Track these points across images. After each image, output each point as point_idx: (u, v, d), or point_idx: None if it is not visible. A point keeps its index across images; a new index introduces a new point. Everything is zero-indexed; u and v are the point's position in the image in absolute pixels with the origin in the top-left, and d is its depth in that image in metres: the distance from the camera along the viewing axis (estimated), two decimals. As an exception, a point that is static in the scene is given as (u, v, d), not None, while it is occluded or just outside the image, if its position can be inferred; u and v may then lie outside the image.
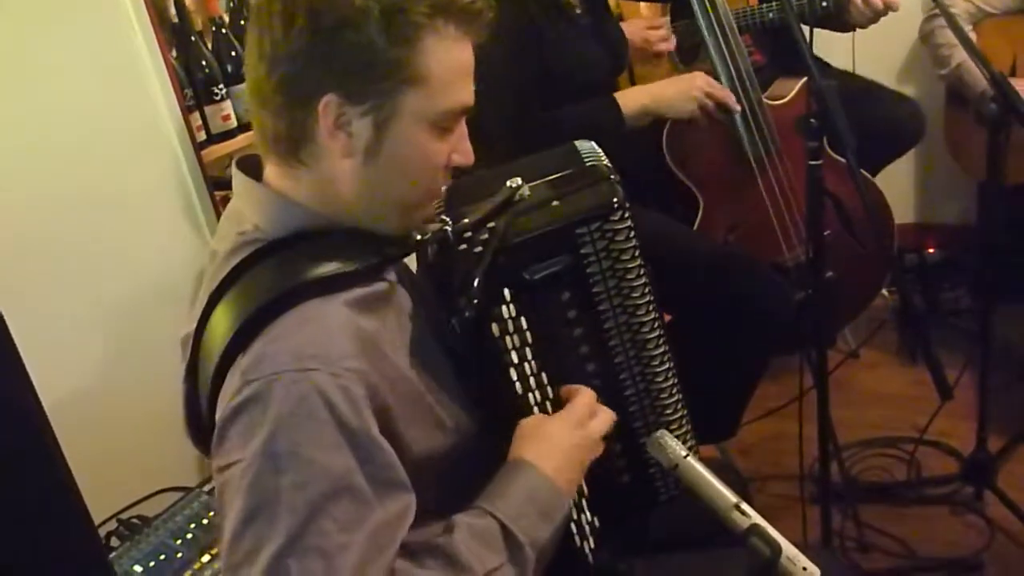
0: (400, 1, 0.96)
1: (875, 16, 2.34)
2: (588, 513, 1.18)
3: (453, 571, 0.94)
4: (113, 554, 1.52)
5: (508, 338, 1.09)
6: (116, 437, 1.74)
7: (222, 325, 0.98)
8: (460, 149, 1.07)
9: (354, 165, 1.02)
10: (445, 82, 1.00)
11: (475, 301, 1.04)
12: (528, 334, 1.12)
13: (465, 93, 1.04)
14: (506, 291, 1.08)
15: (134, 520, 1.62)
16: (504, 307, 1.08)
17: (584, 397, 1.13)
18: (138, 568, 1.49)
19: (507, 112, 1.94)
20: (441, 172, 1.07)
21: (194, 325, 1.03)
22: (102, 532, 1.56)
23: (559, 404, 1.14)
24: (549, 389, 1.15)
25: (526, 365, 1.11)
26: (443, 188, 1.11)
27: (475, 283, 1.04)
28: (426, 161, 1.04)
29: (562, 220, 1.11)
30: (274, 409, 0.89)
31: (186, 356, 1.05)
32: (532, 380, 1.12)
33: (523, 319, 1.11)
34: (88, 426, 1.57)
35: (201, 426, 1.02)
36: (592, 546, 1.18)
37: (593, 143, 1.27)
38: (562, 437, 1.08)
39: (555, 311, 1.14)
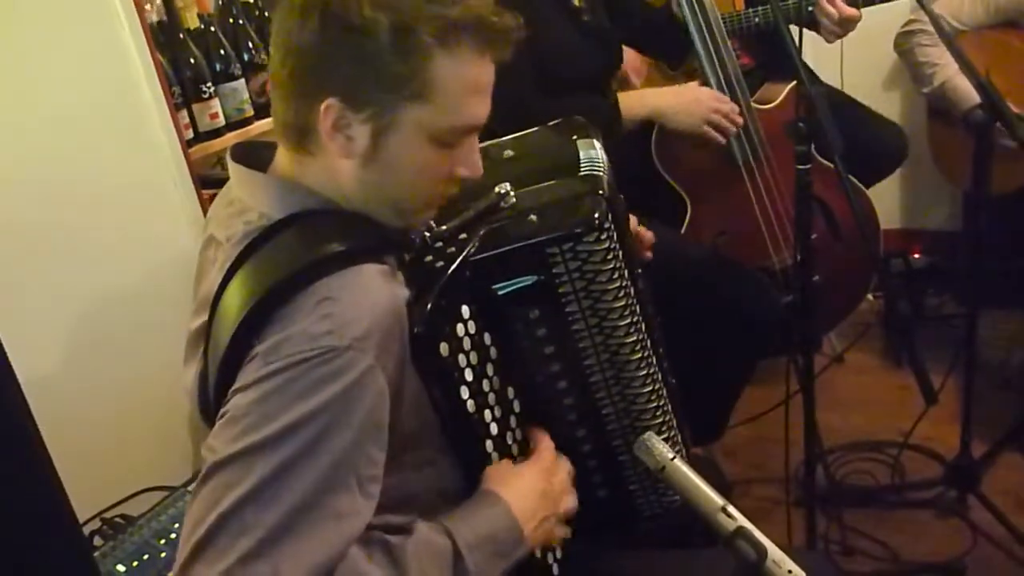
0: (410, 19, 0.95)
1: (840, 28, 2.34)
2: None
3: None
4: (96, 553, 1.50)
5: (462, 356, 1.05)
6: (100, 436, 1.73)
7: (234, 306, 0.97)
8: (468, 163, 1.06)
9: (352, 165, 1.02)
10: (453, 100, 0.99)
11: (426, 319, 1.00)
12: (492, 350, 1.10)
13: (475, 110, 1.02)
14: (465, 308, 1.05)
15: (117, 519, 1.61)
16: (460, 324, 1.05)
17: (547, 441, 1.14)
18: (121, 568, 1.47)
19: (506, 97, 1.92)
20: (442, 183, 1.06)
21: (204, 317, 1.03)
22: (85, 531, 1.55)
23: (524, 417, 1.14)
24: (515, 403, 1.14)
25: (484, 382, 1.09)
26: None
27: (428, 301, 1.00)
28: (424, 173, 1.04)
29: (533, 237, 1.06)
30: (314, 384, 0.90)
31: (199, 345, 1.05)
32: (492, 396, 1.10)
33: (486, 335, 1.09)
34: (72, 425, 1.56)
35: (210, 409, 1.01)
36: (558, 556, 1.17)
37: (599, 144, 1.24)
38: (533, 483, 1.08)
39: (523, 328, 1.11)
